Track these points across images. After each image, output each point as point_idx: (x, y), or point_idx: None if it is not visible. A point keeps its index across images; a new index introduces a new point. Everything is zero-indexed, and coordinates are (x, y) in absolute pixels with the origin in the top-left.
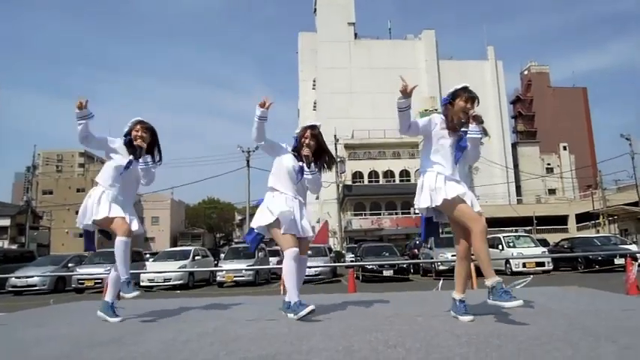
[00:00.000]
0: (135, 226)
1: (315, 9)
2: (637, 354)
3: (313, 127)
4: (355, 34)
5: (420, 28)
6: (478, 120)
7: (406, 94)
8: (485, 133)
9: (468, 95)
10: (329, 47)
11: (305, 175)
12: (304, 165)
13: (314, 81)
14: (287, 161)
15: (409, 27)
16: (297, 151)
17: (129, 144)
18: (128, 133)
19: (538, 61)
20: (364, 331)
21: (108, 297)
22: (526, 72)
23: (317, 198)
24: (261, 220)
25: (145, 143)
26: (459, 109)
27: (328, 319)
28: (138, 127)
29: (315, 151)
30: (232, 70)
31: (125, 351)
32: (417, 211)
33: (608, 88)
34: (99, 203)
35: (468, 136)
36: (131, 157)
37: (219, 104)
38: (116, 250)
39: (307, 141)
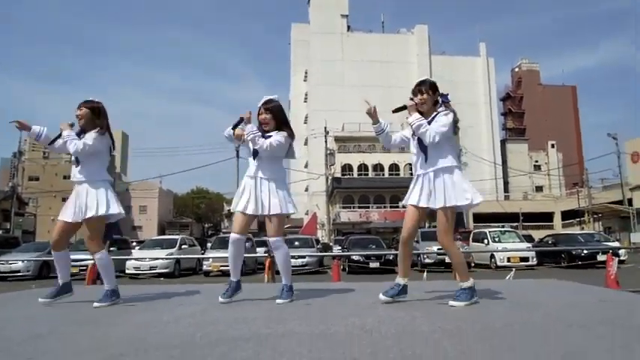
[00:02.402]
0: (115, 209)
1: (309, 0)
2: (610, 342)
3: (266, 102)
4: (348, 27)
5: (414, 22)
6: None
7: (372, 116)
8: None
9: (413, 89)
10: (321, 39)
11: (254, 146)
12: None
13: (306, 73)
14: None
15: (402, 21)
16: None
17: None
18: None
19: (529, 58)
20: (342, 316)
21: (108, 285)
22: (517, 69)
23: (306, 190)
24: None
25: (81, 120)
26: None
27: (308, 305)
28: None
29: (275, 125)
30: (223, 58)
31: (101, 331)
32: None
33: (598, 87)
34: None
35: None
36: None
37: (210, 92)
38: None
39: (262, 116)
